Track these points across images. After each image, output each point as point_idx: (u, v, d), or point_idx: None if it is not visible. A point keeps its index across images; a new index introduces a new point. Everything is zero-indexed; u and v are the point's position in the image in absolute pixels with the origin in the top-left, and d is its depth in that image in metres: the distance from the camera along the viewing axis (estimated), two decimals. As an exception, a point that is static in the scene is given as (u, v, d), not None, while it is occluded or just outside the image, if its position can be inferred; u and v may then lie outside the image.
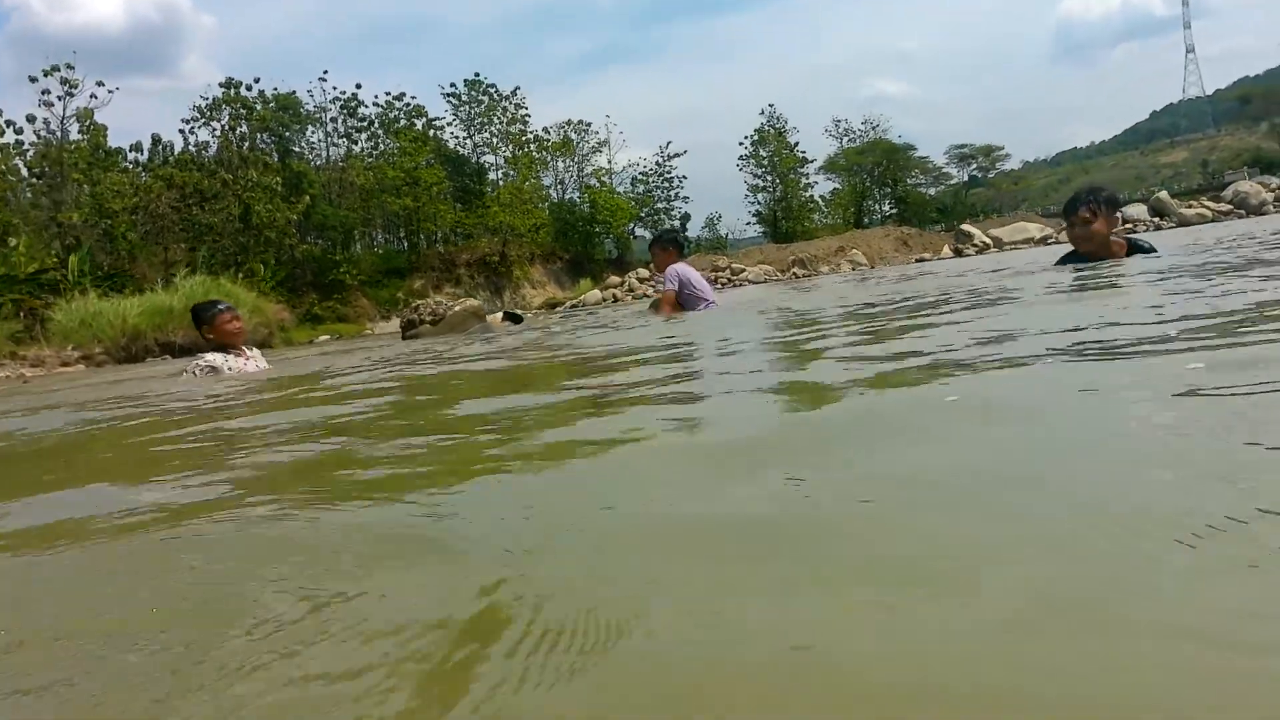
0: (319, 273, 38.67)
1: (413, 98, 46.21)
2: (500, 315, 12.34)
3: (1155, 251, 5.52)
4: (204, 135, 40.60)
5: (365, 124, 45.21)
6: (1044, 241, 34.26)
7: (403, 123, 45.46)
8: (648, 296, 7.77)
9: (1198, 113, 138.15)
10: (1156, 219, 35.41)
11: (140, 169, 38.30)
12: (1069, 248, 5.75)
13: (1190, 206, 35.63)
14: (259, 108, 41.15)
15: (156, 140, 39.70)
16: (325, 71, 44.65)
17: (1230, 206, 34.18)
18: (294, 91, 42.86)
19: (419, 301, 12.11)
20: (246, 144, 40.81)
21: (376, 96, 45.60)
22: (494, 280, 43.58)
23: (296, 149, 43.61)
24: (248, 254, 36.56)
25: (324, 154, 44.81)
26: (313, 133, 44.69)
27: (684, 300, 7.48)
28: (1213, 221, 31.25)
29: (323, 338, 29.56)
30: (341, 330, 33.90)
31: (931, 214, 61.92)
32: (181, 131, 40.52)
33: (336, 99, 44.40)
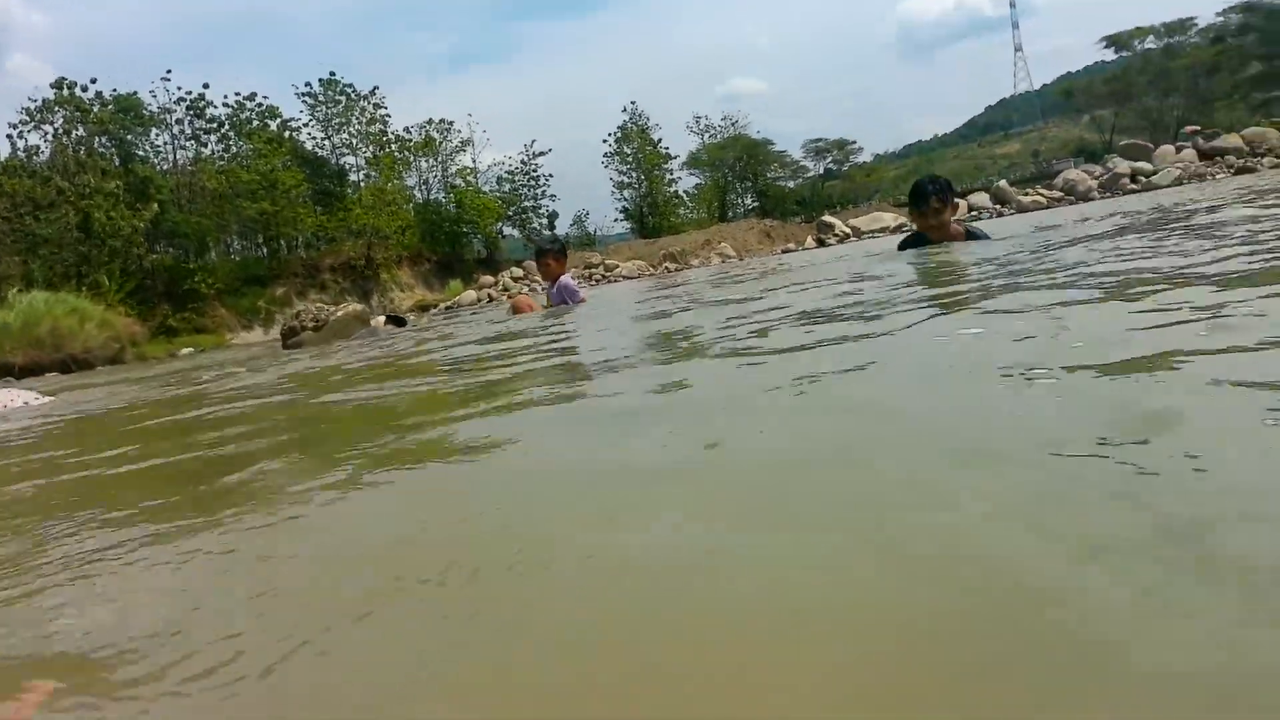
0: (172, 283, 36.75)
1: (265, 98, 44.40)
2: (383, 319, 12.22)
3: (989, 236, 6.03)
4: (34, 139, 37.98)
5: (215, 125, 43.17)
6: (899, 229, 36.18)
7: (255, 124, 43.65)
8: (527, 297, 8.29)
9: (1028, 106, 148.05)
10: (998, 206, 37.93)
11: (-38, 176, 35.44)
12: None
13: (1027, 194, 38.30)
14: (96, 109, 38.75)
15: (-20, 145, 36.81)
16: (169, 71, 42.38)
17: (1061, 193, 36.93)
18: (135, 92, 40.61)
19: (299, 308, 11.85)
20: (83, 148, 38.36)
21: (226, 97, 43.46)
22: (361, 284, 42.42)
23: (140, 153, 41.27)
24: (91, 265, 34.42)
25: (171, 158, 42.55)
26: (157, 135, 42.41)
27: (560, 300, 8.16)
28: (1047, 208, 33.72)
29: (184, 350, 28.20)
30: (200, 342, 32.40)
31: (792, 206, 64.02)
32: (9, 136, 37.77)
33: (182, 99, 42.26)
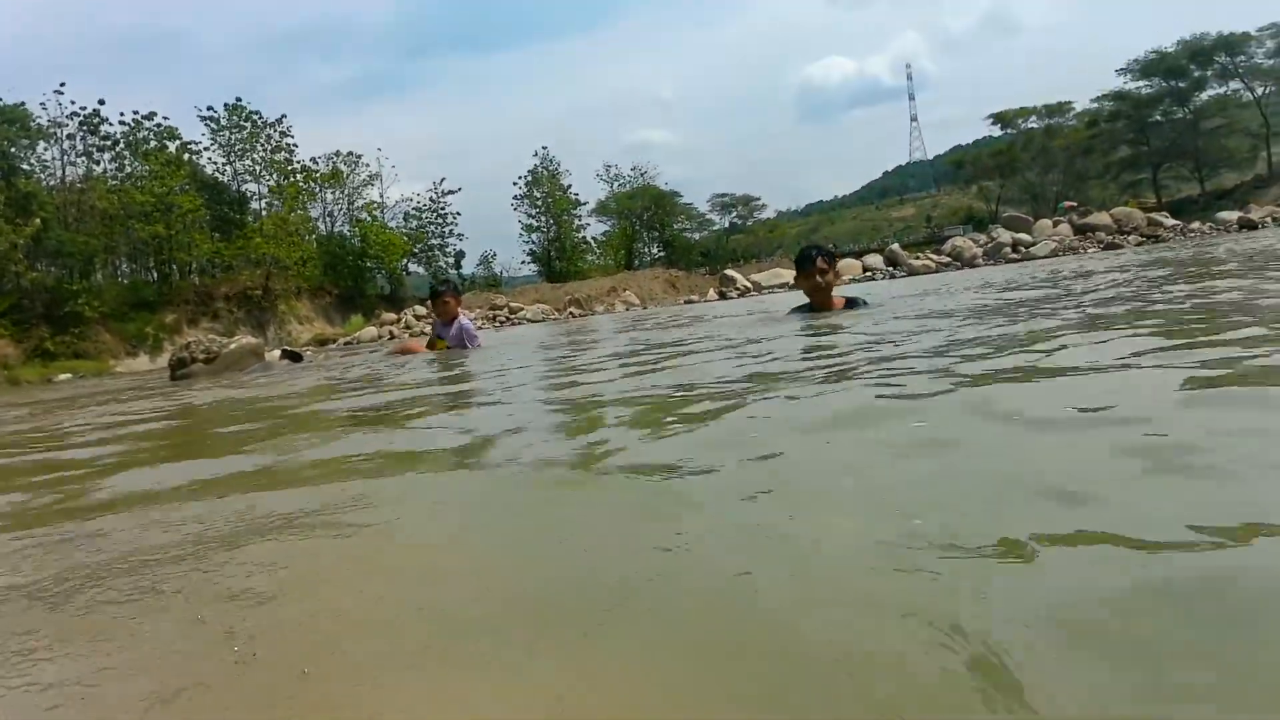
0: (52, 304, 34.93)
1: (164, 118, 43.06)
2: (279, 353, 11.98)
3: (867, 305, 6.49)
4: (-93, 147, 35.93)
5: (109, 143, 41.60)
6: (797, 287, 37.39)
7: (153, 144, 42.25)
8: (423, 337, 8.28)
9: (922, 173, 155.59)
10: (891, 268, 39.67)
11: None
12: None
13: (918, 258, 40.20)
14: (-22, 119, 36.99)
15: None
16: (62, 83, 40.74)
17: (949, 258, 38.96)
18: (23, 103, 38.85)
19: (190, 338, 11.52)
20: (-39, 159, 36.50)
21: (123, 114, 41.98)
22: (256, 315, 41.22)
23: (25, 166, 39.36)
24: (-38, 281, 32.64)
25: (59, 173, 40.70)
26: (45, 149, 40.51)
27: (458, 343, 8.27)
28: (935, 272, 35.47)
29: (62, 376, 26.87)
30: (80, 368, 30.87)
31: (696, 258, 65.49)
32: (-122, 142, 35.63)
33: (75, 114, 40.61)
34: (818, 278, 6.21)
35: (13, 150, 38.76)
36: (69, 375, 27.55)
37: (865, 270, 38.74)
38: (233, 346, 10.79)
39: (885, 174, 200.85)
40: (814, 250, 6.31)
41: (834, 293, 6.38)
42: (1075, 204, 50.20)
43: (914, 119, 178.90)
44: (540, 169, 58.96)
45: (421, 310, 38.82)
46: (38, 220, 35.14)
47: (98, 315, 35.70)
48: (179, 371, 10.37)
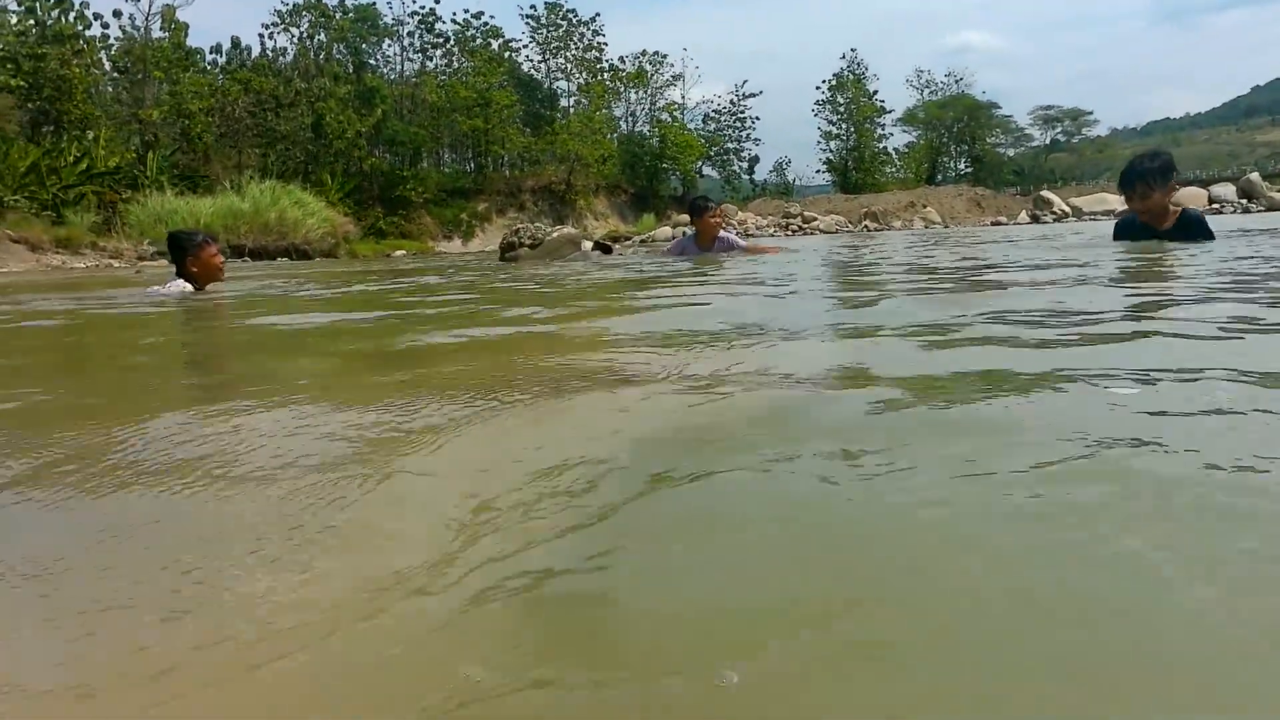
0: (385, 188, 38.90)
1: (491, 17, 45.83)
2: (592, 244, 12.45)
3: (1211, 236, 5.41)
4: (282, 41, 40.89)
5: (442, 41, 44.96)
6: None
7: (479, 42, 45.10)
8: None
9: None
10: (1245, 200, 33.90)
11: (218, 71, 38.69)
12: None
13: (1281, 191, 34.00)
14: (338, 17, 41.16)
15: (236, 43, 40.00)
16: (405, -17, 44.47)
17: (1326, 193, 32.56)
18: (373, 3, 42.75)
19: (519, 225, 12.35)
20: (323, 53, 41.03)
21: (455, 14, 45.39)
22: (557, 208, 43.42)
23: (371, 61, 43.62)
24: (317, 163, 36.94)
25: (398, 68, 44.75)
26: (389, 46, 44.64)
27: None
28: (1304, 207, 29.88)
29: (399, 253, 30.07)
30: (406, 247, 34.21)
31: (1008, 176, 59.95)
32: (260, 36, 40.92)
33: (415, 13, 44.19)
34: (1137, 203, 5.35)
35: (363, 47, 43.00)
36: (403, 252, 30.70)
37: (1211, 201, 33.28)
38: (555, 235, 11.38)
39: (1254, 89, 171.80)
40: (1136, 168, 5.25)
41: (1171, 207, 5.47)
42: None
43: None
44: (846, 73, 56.17)
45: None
46: (379, 111, 38.88)
47: (421, 200, 39.38)
48: (508, 254, 11.11)
